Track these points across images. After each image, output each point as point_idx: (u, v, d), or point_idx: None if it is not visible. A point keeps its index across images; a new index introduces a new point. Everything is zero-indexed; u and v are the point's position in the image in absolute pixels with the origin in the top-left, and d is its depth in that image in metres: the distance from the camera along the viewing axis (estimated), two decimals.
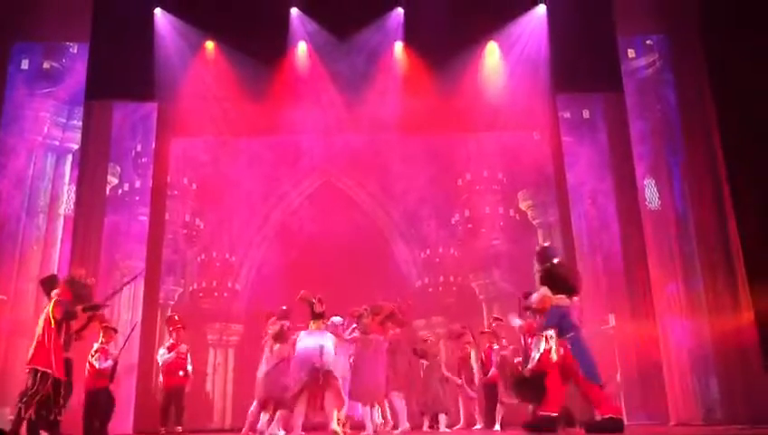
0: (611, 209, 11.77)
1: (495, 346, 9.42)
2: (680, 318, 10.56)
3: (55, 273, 9.30)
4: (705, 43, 10.54)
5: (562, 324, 6.68)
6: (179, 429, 9.56)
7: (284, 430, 7.87)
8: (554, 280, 6.92)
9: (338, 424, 7.12)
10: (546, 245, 7.84)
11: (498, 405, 9.09)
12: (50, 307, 7.23)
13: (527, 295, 7.49)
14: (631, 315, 11.03)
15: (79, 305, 7.34)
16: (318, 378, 7.00)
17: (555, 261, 7.10)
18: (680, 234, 10.83)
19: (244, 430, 8.37)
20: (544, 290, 6.91)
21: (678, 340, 10.54)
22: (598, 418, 6.57)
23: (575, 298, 6.90)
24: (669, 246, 10.87)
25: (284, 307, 8.46)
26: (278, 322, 8.22)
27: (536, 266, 7.36)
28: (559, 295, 6.81)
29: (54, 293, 7.37)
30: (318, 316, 7.43)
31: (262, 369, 8.05)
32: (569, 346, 6.60)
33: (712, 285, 10.15)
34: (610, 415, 6.46)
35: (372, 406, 7.67)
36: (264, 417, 8.01)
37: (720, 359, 9.99)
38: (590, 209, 12.04)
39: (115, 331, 9.25)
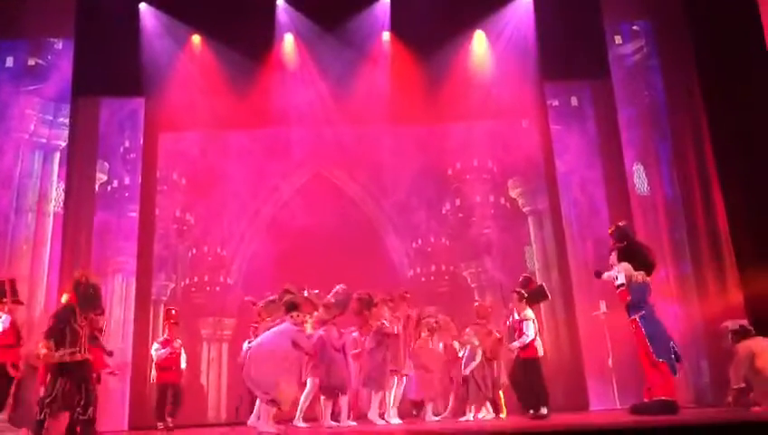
0: (601, 196, 11.83)
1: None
2: (670, 303, 10.62)
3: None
4: (690, 27, 10.57)
5: (640, 301, 7.06)
6: (170, 421, 9.55)
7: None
8: (635, 257, 7.22)
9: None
10: (622, 224, 7.84)
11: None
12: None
13: (599, 274, 7.72)
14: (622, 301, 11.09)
15: (89, 308, 6.96)
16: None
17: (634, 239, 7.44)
18: (669, 219, 10.90)
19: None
20: (626, 266, 7.17)
21: (669, 324, 10.58)
22: (646, 399, 6.80)
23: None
24: (658, 231, 10.93)
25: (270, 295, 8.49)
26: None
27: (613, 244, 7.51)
28: (639, 272, 7.12)
29: (65, 298, 7.18)
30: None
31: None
32: (640, 323, 7.03)
33: (701, 270, 10.22)
34: (660, 397, 6.64)
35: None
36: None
37: (711, 342, 10.04)
38: (580, 196, 12.08)
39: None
